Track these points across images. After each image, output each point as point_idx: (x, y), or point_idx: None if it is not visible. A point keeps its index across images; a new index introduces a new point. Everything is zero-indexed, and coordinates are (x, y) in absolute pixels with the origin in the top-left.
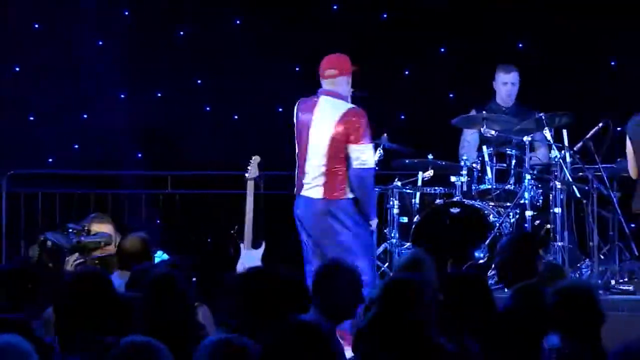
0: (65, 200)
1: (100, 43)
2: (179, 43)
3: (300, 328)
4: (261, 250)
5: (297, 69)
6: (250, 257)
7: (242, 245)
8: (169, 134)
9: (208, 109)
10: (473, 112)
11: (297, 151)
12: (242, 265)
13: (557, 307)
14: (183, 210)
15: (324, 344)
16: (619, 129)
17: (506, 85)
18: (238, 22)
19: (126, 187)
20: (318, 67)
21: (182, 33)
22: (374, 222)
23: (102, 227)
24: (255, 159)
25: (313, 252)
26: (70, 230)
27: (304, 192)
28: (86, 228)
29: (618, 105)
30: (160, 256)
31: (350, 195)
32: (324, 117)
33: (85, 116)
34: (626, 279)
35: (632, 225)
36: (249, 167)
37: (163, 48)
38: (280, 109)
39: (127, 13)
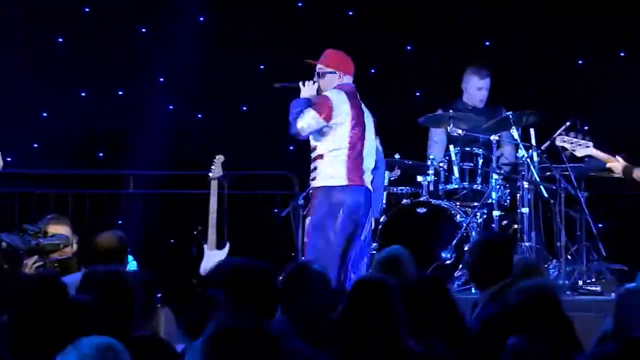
0: (24, 200)
1: (60, 40)
2: (141, 40)
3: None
4: (225, 251)
5: (261, 67)
6: (214, 258)
7: (205, 246)
8: (131, 132)
9: (171, 107)
10: (440, 111)
11: (348, 141)
12: (205, 267)
13: (519, 306)
14: (145, 211)
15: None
16: (586, 127)
17: (481, 90)
18: (202, 19)
19: (87, 186)
20: (346, 61)
21: (144, 30)
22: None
23: (59, 229)
24: (219, 159)
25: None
26: (28, 231)
27: (366, 183)
28: (43, 229)
29: (586, 103)
30: (129, 262)
31: None
32: (368, 115)
33: (44, 114)
34: (593, 280)
35: (600, 226)
36: (212, 167)
37: (125, 45)
38: (245, 108)
39: (87, 10)
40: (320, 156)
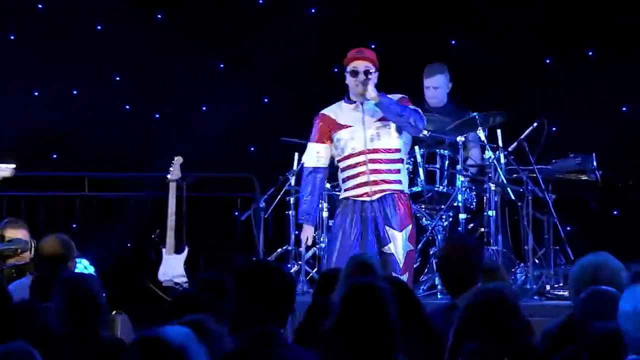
0: None
1: (12, 37)
2: (97, 38)
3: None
4: (184, 255)
5: (221, 66)
6: (172, 263)
7: (163, 250)
8: (86, 133)
9: (128, 107)
10: None
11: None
12: (164, 271)
13: (471, 312)
14: (101, 214)
15: None
16: (554, 128)
17: (428, 89)
18: (159, 16)
19: (40, 189)
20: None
21: (99, 27)
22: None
23: (17, 233)
24: (178, 160)
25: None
26: None
27: None
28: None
29: (553, 104)
30: (85, 266)
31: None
32: None
33: None
34: (561, 284)
35: (568, 228)
36: (171, 169)
37: (80, 43)
38: (205, 108)
39: (41, 7)
40: (402, 160)
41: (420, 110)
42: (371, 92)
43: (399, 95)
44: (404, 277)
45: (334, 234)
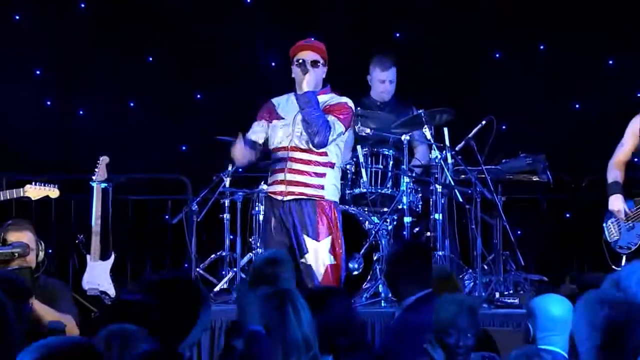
0: None
1: None
2: (15, 28)
3: None
4: (110, 262)
5: (149, 59)
6: (97, 270)
7: (88, 257)
8: (3, 130)
9: (49, 103)
10: None
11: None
12: (88, 279)
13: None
14: (20, 217)
15: None
16: (504, 126)
17: (383, 83)
18: (83, 5)
19: None
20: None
21: (17, 17)
22: None
23: (21, 236)
24: (103, 160)
25: None
26: None
27: None
28: (2, 237)
29: (503, 101)
30: None
31: None
32: None
33: None
34: (511, 291)
35: (519, 233)
36: (96, 169)
37: None
38: (132, 104)
39: None
40: (330, 164)
41: (332, 127)
42: (304, 84)
43: (339, 100)
44: None
45: (264, 236)
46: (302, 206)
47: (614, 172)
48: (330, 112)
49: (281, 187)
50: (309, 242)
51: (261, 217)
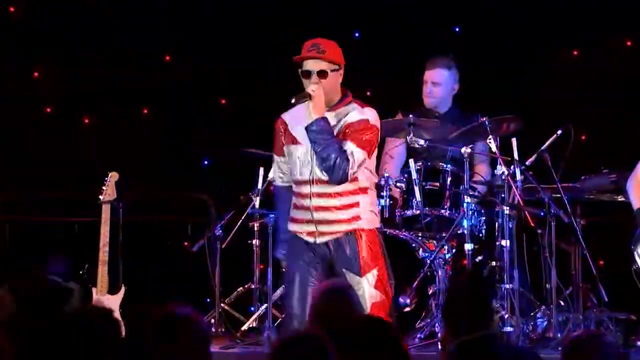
0: None
1: None
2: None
3: None
4: (119, 296)
5: (166, 59)
6: (105, 305)
7: (94, 291)
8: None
9: (48, 110)
10: (400, 116)
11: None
12: None
13: None
14: (14, 242)
15: None
16: (583, 137)
17: (426, 84)
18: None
19: None
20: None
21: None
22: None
23: None
24: (113, 177)
25: None
26: None
27: None
28: None
29: (582, 106)
30: None
31: None
32: None
33: None
34: None
35: (601, 263)
36: (104, 187)
37: None
38: (146, 111)
39: None
40: (363, 190)
41: (352, 158)
42: (311, 108)
43: (360, 117)
44: None
45: (289, 278)
46: (339, 243)
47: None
48: (347, 135)
49: (310, 228)
50: (349, 276)
51: None
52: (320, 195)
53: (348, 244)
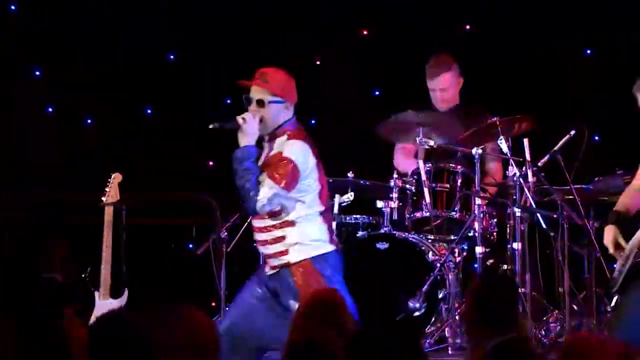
0: None
1: None
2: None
3: None
4: (123, 299)
5: (170, 57)
6: (108, 309)
7: (96, 294)
8: None
9: (50, 110)
10: (410, 114)
11: (319, 196)
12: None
13: None
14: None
15: None
16: (596, 137)
17: (433, 92)
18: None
19: None
20: (292, 85)
21: (13, 8)
22: None
23: None
24: (116, 178)
25: None
26: None
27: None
28: None
29: (596, 106)
30: None
31: None
32: None
33: None
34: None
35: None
36: (106, 189)
37: None
38: (150, 111)
39: None
40: (290, 223)
41: (262, 190)
42: (239, 136)
43: (280, 149)
44: None
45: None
46: (280, 275)
47: None
48: (265, 168)
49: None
50: (294, 305)
51: None
52: (255, 228)
53: (285, 277)
